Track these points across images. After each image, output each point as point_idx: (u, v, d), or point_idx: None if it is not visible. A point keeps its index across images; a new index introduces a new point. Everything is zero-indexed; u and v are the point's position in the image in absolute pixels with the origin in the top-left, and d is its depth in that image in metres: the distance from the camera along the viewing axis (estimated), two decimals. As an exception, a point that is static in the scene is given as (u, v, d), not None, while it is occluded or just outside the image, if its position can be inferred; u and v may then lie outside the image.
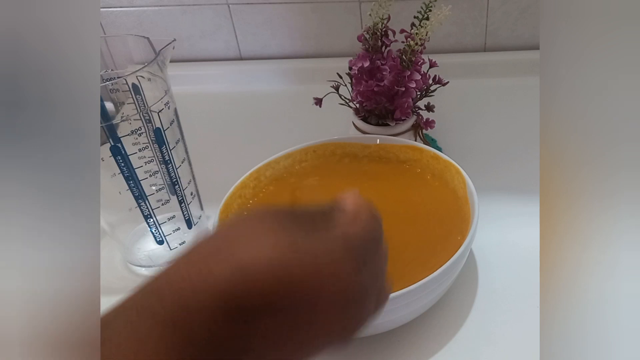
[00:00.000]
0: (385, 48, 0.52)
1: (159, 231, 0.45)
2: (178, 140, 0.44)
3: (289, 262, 0.22)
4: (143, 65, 0.40)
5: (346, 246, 0.24)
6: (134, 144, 0.41)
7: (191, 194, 0.47)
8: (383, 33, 0.51)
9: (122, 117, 0.40)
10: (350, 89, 0.54)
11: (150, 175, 0.42)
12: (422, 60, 0.51)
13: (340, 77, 0.54)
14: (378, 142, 0.51)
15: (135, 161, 0.41)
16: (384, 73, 0.50)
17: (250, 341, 0.22)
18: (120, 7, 0.74)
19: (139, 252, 0.48)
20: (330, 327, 0.23)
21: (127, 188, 0.42)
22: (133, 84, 0.40)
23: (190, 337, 0.21)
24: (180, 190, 0.45)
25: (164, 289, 0.22)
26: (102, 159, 0.40)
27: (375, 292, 0.26)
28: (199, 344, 0.21)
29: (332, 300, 0.23)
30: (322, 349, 0.24)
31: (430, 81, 0.53)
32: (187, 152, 0.46)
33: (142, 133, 0.41)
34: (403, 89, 0.50)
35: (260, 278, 0.21)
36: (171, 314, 0.21)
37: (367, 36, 0.51)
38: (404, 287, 0.35)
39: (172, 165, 0.43)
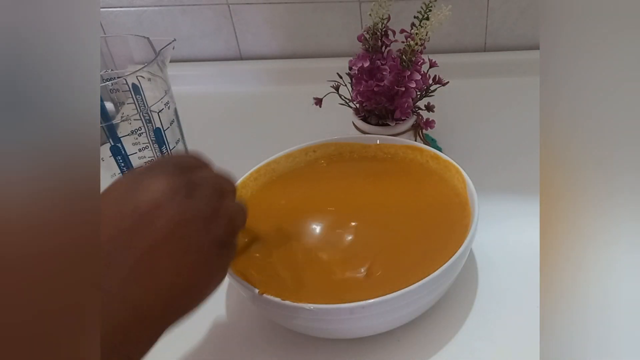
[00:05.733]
0: (385, 48, 0.52)
1: (159, 231, 0.45)
2: (178, 140, 0.44)
3: None
4: (143, 65, 0.40)
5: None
6: (134, 144, 0.41)
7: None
8: (383, 33, 0.51)
9: (122, 117, 0.40)
10: (350, 89, 0.54)
11: (150, 175, 0.42)
12: (422, 60, 0.51)
13: (340, 77, 0.54)
14: (378, 142, 0.51)
15: (135, 161, 0.41)
16: (384, 73, 0.50)
17: None
18: (120, 7, 0.74)
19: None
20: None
21: (127, 188, 0.42)
22: (133, 84, 0.40)
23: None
24: (180, 190, 0.45)
25: None
26: (102, 159, 0.40)
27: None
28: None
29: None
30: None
31: (430, 81, 0.53)
32: (187, 152, 0.46)
33: (142, 133, 0.41)
34: (403, 89, 0.50)
35: None
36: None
37: (367, 36, 0.51)
38: (404, 287, 0.35)
39: (172, 165, 0.44)
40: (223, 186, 0.32)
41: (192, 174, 0.30)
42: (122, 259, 0.26)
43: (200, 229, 0.28)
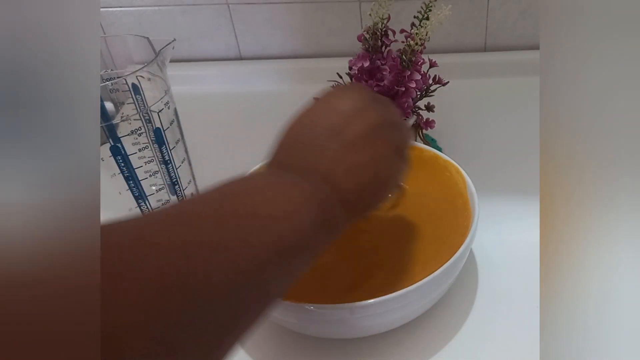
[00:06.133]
0: (385, 48, 0.52)
1: (159, 231, 0.45)
2: (178, 140, 0.44)
3: None
4: (143, 65, 0.40)
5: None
6: (134, 144, 0.41)
7: (191, 194, 0.47)
8: (383, 33, 0.51)
9: (122, 117, 0.40)
10: (350, 89, 0.54)
11: (150, 175, 0.42)
12: (422, 60, 0.51)
13: (340, 77, 0.54)
14: (378, 142, 0.51)
15: (135, 161, 0.41)
16: (384, 73, 0.50)
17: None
18: (120, 7, 0.74)
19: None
20: None
21: (127, 188, 0.42)
22: (133, 84, 0.40)
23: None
24: (180, 190, 0.45)
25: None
26: (102, 159, 0.40)
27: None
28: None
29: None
30: None
31: (430, 81, 0.53)
32: (187, 152, 0.46)
33: (142, 133, 0.41)
34: (403, 89, 0.50)
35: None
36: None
37: (367, 36, 0.51)
38: (404, 287, 0.35)
39: (172, 165, 0.43)
40: (395, 108, 0.37)
41: (374, 94, 0.35)
42: (332, 144, 0.31)
43: (390, 132, 0.34)
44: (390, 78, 0.50)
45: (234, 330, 0.23)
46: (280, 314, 0.37)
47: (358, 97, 0.34)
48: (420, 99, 0.54)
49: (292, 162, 0.32)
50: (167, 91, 0.43)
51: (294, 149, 0.32)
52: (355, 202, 0.32)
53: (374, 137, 0.32)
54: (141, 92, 0.41)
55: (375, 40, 0.51)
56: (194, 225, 0.23)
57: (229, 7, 0.74)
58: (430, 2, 0.49)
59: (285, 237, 0.26)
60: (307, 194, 0.29)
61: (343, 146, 0.31)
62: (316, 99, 0.34)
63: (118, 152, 0.40)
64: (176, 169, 0.44)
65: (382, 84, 0.50)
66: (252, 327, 0.24)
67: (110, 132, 0.39)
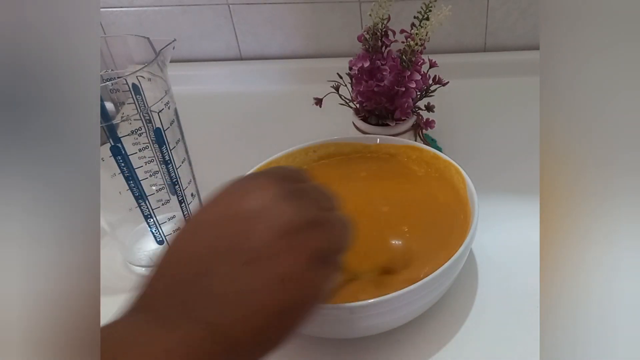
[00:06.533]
0: (385, 48, 0.52)
1: (159, 231, 0.45)
2: (178, 140, 0.44)
3: None
4: (143, 65, 0.40)
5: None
6: (134, 144, 0.41)
7: (191, 194, 0.47)
8: (383, 33, 0.51)
9: (122, 117, 0.40)
10: (350, 89, 0.54)
11: (150, 175, 0.42)
12: (422, 60, 0.51)
13: (340, 77, 0.54)
14: (378, 142, 0.51)
15: (135, 161, 0.41)
16: (384, 73, 0.50)
17: None
18: (120, 7, 0.74)
19: (139, 252, 0.48)
20: None
21: (127, 188, 0.42)
22: (133, 84, 0.40)
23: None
24: (180, 190, 0.45)
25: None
26: (102, 159, 0.40)
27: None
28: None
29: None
30: None
31: (430, 81, 0.53)
32: (187, 152, 0.46)
33: (142, 133, 0.41)
34: (403, 89, 0.50)
35: None
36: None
37: (367, 36, 0.51)
38: (404, 287, 0.35)
39: (172, 165, 0.43)
40: (327, 200, 0.30)
41: (296, 184, 0.28)
42: (221, 267, 0.25)
43: (310, 234, 0.27)
44: (390, 78, 0.50)
45: None
46: (280, 314, 0.37)
47: (266, 193, 0.26)
48: (420, 99, 0.54)
49: (165, 302, 0.25)
50: (167, 91, 0.43)
51: (169, 285, 0.25)
52: (256, 343, 0.25)
53: (283, 246, 0.25)
54: (141, 92, 0.41)
55: (375, 41, 0.51)
56: None
57: (229, 7, 0.74)
58: (430, 2, 0.49)
59: None
60: (174, 344, 0.22)
61: (235, 269, 0.25)
62: (214, 196, 0.27)
63: (118, 152, 0.40)
64: (176, 169, 0.44)
65: (382, 84, 0.50)
66: None
67: (110, 132, 0.39)
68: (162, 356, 0.22)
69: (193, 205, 0.47)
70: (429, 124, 0.54)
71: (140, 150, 0.41)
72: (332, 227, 0.28)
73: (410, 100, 0.51)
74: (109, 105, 0.40)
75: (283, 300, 0.25)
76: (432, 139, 0.59)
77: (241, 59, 0.79)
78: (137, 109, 0.40)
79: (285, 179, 0.28)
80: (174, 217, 0.46)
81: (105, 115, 0.39)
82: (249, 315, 0.24)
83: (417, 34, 0.48)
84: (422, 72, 0.52)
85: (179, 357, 0.22)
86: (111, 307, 0.26)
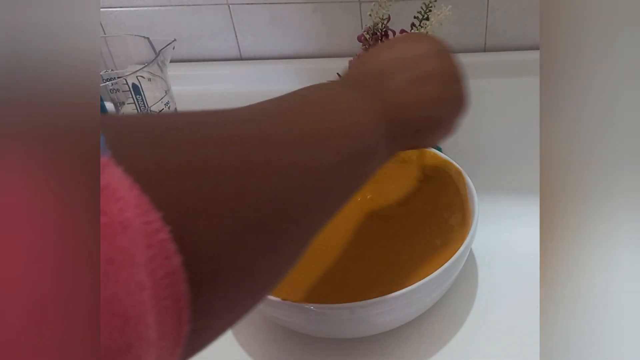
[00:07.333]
0: (385, 48, 0.52)
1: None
2: (178, 140, 0.44)
3: None
4: (143, 65, 0.40)
5: None
6: (134, 144, 0.41)
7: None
8: (383, 33, 0.51)
9: (122, 117, 0.40)
10: (350, 89, 0.54)
11: (150, 175, 0.42)
12: (422, 60, 0.51)
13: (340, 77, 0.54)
14: (378, 142, 0.51)
15: (135, 161, 0.41)
16: (384, 73, 0.50)
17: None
18: (120, 7, 0.74)
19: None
20: None
21: (127, 188, 0.42)
22: (133, 84, 0.40)
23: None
24: (180, 190, 0.45)
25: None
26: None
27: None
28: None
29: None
30: None
31: (430, 81, 0.53)
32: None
33: (142, 133, 0.41)
34: (403, 89, 0.50)
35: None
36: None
37: (367, 36, 0.51)
38: (404, 287, 0.35)
39: (172, 165, 0.43)
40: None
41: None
42: (400, 76, 0.32)
43: (458, 82, 0.35)
44: (390, 78, 0.50)
45: (326, 212, 0.27)
46: (281, 313, 0.37)
47: (435, 42, 0.35)
48: (420, 99, 0.54)
49: (362, 81, 0.33)
50: (167, 91, 0.43)
51: (366, 71, 0.34)
52: (411, 132, 0.33)
53: (444, 80, 0.34)
54: (141, 92, 0.41)
55: (375, 41, 0.51)
56: (297, 121, 0.27)
57: (229, 7, 0.74)
58: (430, 2, 0.49)
59: (363, 140, 0.29)
60: (378, 109, 0.31)
61: (412, 79, 0.33)
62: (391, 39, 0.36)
63: (118, 152, 0.40)
64: (176, 169, 0.44)
65: (382, 84, 0.50)
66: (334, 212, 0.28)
67: (110, 132, 0.39)
68: (352, 105, 0.30)
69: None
70: (429, 124, 0.54)
71: (140, 150, 0.41)
72: (466, 84, 0.36)
73: (410, 100, 0.51)
74: (109, 105, 0.40)
75: (443, 113, 0.34)
76: (432, 139, 0.59)
77: (241, 59, 0.79)
78: (137, 109, 0.40)
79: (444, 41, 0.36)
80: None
81: (105, 115, 0.39)
82: (420, 112, 0.33)
83: (417, 34, 0.48)
84: (422, 72, 0.52)
85: (381, 119, 0.30)
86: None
